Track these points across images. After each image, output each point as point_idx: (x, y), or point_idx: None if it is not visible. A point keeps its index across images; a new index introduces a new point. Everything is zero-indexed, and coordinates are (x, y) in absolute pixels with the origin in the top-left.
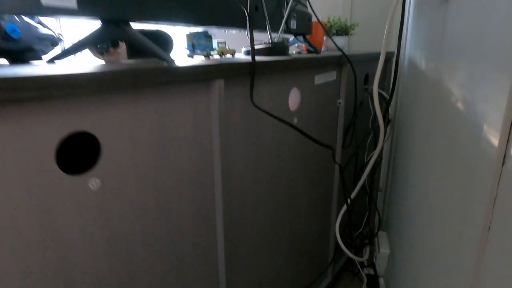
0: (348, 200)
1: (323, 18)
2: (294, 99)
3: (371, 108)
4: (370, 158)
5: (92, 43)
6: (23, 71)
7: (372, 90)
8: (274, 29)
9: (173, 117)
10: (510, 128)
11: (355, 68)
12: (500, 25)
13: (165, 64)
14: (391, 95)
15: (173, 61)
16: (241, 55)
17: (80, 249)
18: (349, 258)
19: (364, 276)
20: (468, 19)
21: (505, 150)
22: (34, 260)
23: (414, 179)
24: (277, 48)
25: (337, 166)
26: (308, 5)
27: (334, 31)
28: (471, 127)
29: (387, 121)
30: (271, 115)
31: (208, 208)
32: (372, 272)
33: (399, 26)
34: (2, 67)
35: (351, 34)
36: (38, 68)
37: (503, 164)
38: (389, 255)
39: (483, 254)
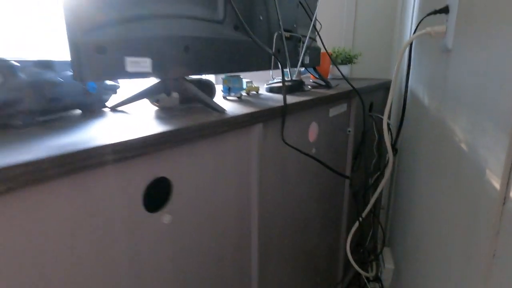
0: (360, 219)
1: (328, 49)
2: (313, 131)
3: (375, 133)
4: (376, 179)
5: (152, 94)
6: (119, 135)
7: (376, 116)
8: (291, 65)
9: (223, 157)
10: (510, 174)
11: (361, 94)
12: (499, 82)
13: (217, 114)
14: (399, 128)
15: (224, 111)
16: (263, 91)
17: (154, 270)
18: (356, 273)
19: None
20: (469, 71)
21: (505, 192)
22: (125, 275)
23: (419, 203)
24: (296, 85)
25: (347, 190)
26: (318, 39)
27: (340, 61)
28: (475, 168)
29: (395, 150)
30: (298, 150)
31: (245, 230)
32: (378, 286)
33: (406, 64)
34: (92, 126)
35: (354, 63)
36: (124, 130)
37: (504, 203)
38: (394, 270)
39: (489, 278)
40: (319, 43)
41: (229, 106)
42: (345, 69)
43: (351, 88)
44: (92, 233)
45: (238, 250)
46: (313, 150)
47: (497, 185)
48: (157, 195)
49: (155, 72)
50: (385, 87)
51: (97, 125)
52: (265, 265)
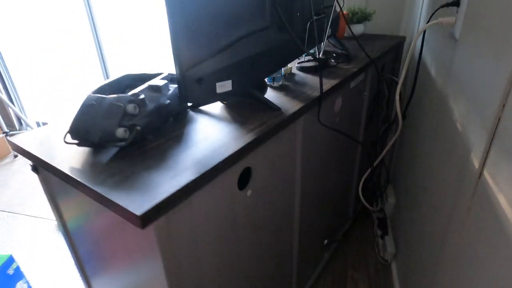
0: (372, 167)
1: (344, 8)
2: (337, 104)
3: (385, 91)
4: (385, 130)
5: (226, 98)
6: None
7: (387, 76)
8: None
9: (281, 145)
10: (486, 160)
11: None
12: (492, 75)
13: (276, 112)
14: (409, 100)
15: (279, 109)
16: (295, 70)
17: (244, 230)
18: (363, 207)
19: (375, 219)
20: (471, 60)
21: (481, 170)
22: (229, 237)
23: (419, 155)
24: (323, 63)
25: (359, 147)
26: (337, 5)
27: (355, 20)
28: (463, 146)
29: (403, 116)
30: (328, 127)
31: (291, 184)
32: (381, 215)
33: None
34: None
35: (369, 20)
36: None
37: (479, 178)
38: (395, 203)
39: (466, 223)
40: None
41: (277, 97)
42: (360, 27)
43: (368, 59)
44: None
45: (286, 198)
46: (337, 119)
47: (476, 164)
48: (242, 177)
49: (234, 89)
50: (396, 48)
51: (202, 133)
52: (303, 207)
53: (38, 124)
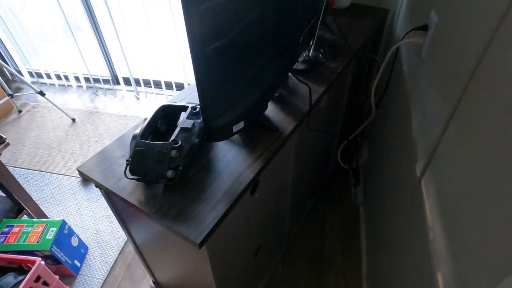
0: (347, 140)
1: None
2: (323, 101)
3: (366, 66)
4: (362, 101)
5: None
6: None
7: (367, 56)
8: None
9: (280, 158)
10: (424, 172)
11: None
12: (444, 92)
13: (277, 133)
14: (382, 95)
15: (278, 130)
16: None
17: (255, 217)
18: (339, 168)
19: (350, 170)
20: (431, 78)
21: (422, 174)
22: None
23: (387, 130)
24: (313, 64)
25: (340, 123)
26: None
27: None
28: (414, 151)
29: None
30: (317, 130)
31: (287, 177)
32: (355, 167)
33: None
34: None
35: None
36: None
37: (420, 180)
38: (367, 158)
39: (414, 196)
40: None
41: (275, 113)
42: (347, 1)
43: (352, 50)
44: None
45: (283, 181)
46: (323, 112)
47: (417, 173)
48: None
49: (245, 124)
50: (379, 23)
51: (223, 161)
52: (295, 178)
53: (31, 74)
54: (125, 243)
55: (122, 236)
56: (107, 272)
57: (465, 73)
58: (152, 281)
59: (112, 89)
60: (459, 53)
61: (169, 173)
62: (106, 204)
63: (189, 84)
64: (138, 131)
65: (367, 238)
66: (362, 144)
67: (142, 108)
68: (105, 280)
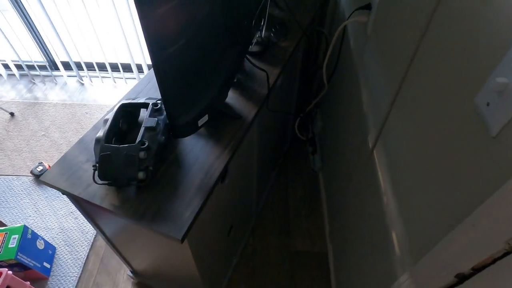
0: (301, 115)
1: None
2: (279, 81)
3: (315, 40)
4: (313, 73)
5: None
6: None
7: (316, 30)
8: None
9: (245, 144)
10: (375, 143)
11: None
12: (390, 69)
13: (239, 120)
14: (333, 71)
15: (241, 117)
16: None
17: (226, 199)
18: (297, 139)
19: (307, 139)
20: (377, 53)
21: (372, 150)
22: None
23: (339, 102)
24: (266, 45)
25: (294, 99)
26: None
27: None
28: (365, 124)
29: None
30: (275, 111)
31: (251, 157)
32: (311, 135)
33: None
34: None
35: None
36: None
37: (371, 153)
38: (322, 126)
39: (369, 164)
40: None
41: (236, 100)
42: None
43: (301, 27)
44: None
45: (249, 162)
46: (279, 90)
47: (370, 145)
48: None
49: (210, 117)
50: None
51: (191, 154)
52: (259, 154)
53: None
54: (94, 238)
55: (90, 231)
56: (81, 269)
57: (407, 53)
58: (130, 270)
59: (50, 76)
60: (401, 31)
61: (140, 175)
62: (68, 200)
63: (136, 65)
64: (100, 134)
65: (327, 201)
66: (316, 112)
67: (90, 94)
68: (80, 277)
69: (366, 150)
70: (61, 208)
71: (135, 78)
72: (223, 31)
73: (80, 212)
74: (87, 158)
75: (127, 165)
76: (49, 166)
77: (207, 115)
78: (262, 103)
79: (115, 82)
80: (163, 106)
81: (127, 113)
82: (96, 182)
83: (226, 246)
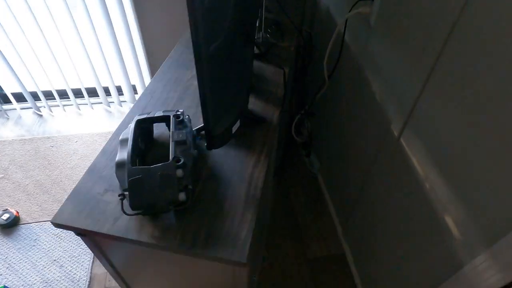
0: (299, 115)
1: None
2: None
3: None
4: (304, 67)
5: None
6: None
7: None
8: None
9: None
10: (402, 131)
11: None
12: (397, 58)
13: (266, 123)
14: (334, 67)
15: (266, 120)
16: None
17: None
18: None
19: (300, 143)
20: (383, 44)
21: (399, 138)
22: None
23: (343, 95)
24: (267, 49)
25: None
26: None
27: None
28: (383, 115)
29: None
30: (287, 111)
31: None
32: (304, 140)
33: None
34: None
35: None
36: None
37: (398, 141)
38: (312, 126)
39: (397, 153)
40: None
41: (256, 103)
42: None
43: (295, 26)
44: None
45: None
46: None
47: (395, 133)
48: None
49: (241, 122)
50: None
51: (227, 166)
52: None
53: None
54: (88, 285)
55: (82, 277)
56: None
57: (439, 39)
58: None
59: (0, 110)
60: (428, 11)
61: (181, 196)
62: (49, 247)
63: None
64: (122, 156)
65: (332, 201)
66: (306, 114)
67: (52, 125)
68: None
69: (390, 139)
70: (40, 258)
71: (101, 103)
72: (241, 30)
73: (95, 253)
74: (105, 188)
75: (165, 187)
76: (17, 212)
77: (239, 121)
78: (282, 103)
79: (79, 109)
80: (185, 117)
81: (141, 130)
82: (126, 213)
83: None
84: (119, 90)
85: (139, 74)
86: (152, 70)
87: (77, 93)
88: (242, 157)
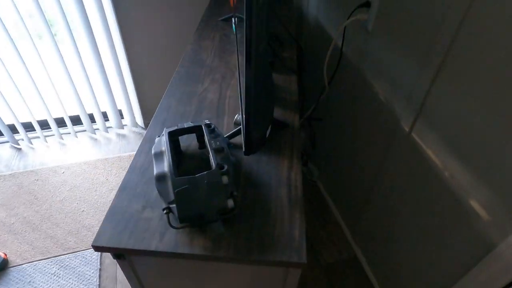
0: (303, 120)
1: None
2: None
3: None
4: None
5: None
6: None
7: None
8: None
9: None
10: (413, 125)
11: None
12: (396, 60)
13: (290, 128)
14: (333, 74)
15: (288, 125)
16: None
17: None
18: None
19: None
20: (382, 48)
21: (410, 130)
22: None
23: (345, 99)
24: (273, 55)
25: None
26: None
27: None
28: (391, 113)
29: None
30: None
31: None
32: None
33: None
34: None
35: None
36: None
37: (409, 133)
38: (308, 135)
39: (407, 150)
40: None
41: (275, 110)
42: None
43: (291, 34)
44: None
45: None
46: None
47: (406, 129)
48: None
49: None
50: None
51: (263, 170)
52: None
53: None
54: None
55: None
56: None
57: (446, 37)
58: None
59: None
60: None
61: (230, 203)
62: (48, 282)
63: (89, 114)
64: (162, 169)
65: (336, 206)
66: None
67: (34, 158)
68: None
69: (401, 135)
70: None
71: (85, 130)
72: (266, 36)
73: (129, 276)
74: (143, 205)
75: (213, 195)
76: (5, 255)
77: (270, 126)
78: (300, 108)
79: (62, 139)
80: (215, 127)
81: (172, 143)
82: (173, 227)
83: None
84: (105, 116)
85: (125, 98)
86: (139, 93)
87: (60, 122)
88: (275, 162)
